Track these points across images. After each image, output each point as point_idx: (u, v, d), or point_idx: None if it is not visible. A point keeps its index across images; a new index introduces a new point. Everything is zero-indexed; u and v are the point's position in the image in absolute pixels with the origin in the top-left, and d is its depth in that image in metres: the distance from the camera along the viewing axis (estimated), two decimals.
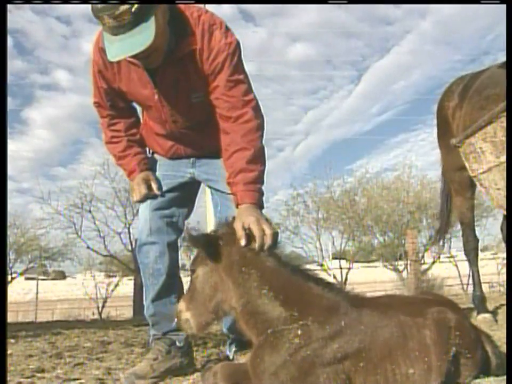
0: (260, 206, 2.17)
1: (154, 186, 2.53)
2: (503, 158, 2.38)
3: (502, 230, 4.35)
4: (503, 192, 2.48)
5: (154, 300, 2.56)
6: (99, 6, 1.94)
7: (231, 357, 2.68)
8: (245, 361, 1.89)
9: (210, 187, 2.68)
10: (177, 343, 2.57)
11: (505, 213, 2.64)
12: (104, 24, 2.00)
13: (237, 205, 2.16)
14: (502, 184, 2.45)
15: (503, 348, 2.47)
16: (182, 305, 1.97)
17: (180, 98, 2.38)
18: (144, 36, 1.99)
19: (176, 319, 1.99)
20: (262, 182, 2.25)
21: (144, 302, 2.64)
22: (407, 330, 1.76)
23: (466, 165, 2.63)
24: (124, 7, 1.92)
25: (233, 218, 2.04)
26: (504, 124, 2.34)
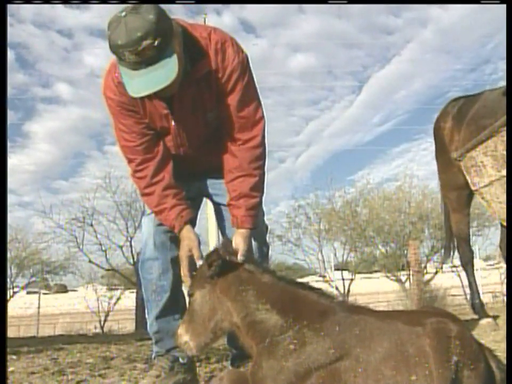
0: (255, 230, 2.36)
1: (195, 255, 2.22)
2: (504, 172, 2.39)
3: (500, 247, 4.59)
4: (505, 206, 2.49)
5: (158, 317, 2.55)
6: (119, 42, 1.90)
7: None
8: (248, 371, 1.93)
9: (215, 202, 2.69)
10: (181, 360, 2.56)
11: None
12: (123, 59, 1.95)
13: (236, 227, 2.29)
14: (504, 197, 2.47)
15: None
16: (181, 328, 2.01)
17: (197, 121, 2.38)
18: (168, 69, 1.96)
19: (176, 342, 2.04)
20: (261, 207, 2.40)
21: (147, 318, 2.63)
22: (406, 337, 1.76)
23: (468, 178, 2.65)
24: (146, 42, 1.88)
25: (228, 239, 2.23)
26: (505, 138, 2.35)
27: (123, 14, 1.92)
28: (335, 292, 17.08)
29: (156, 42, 1.90)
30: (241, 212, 2.28)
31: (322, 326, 1.78)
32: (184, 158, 2.51)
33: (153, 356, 2.67)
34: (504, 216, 2.56)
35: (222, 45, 2.23)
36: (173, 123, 2.34)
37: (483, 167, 2.49)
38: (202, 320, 1.95)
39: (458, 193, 4.46)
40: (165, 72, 1.96)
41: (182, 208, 2.34)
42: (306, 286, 2.00)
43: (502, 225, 4.47)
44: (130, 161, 2.40)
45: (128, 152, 2.39)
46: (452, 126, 4.33)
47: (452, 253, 5.16)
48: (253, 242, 2.50)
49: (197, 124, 2.38)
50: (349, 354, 1.73)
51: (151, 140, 2.38)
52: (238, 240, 2.20)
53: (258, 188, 2.35)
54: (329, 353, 1.72)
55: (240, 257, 2.07)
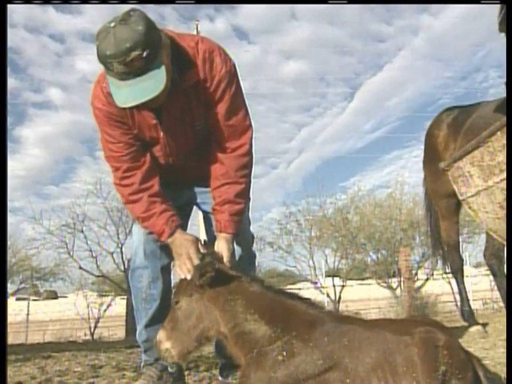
0: (239, 236, 2.39)
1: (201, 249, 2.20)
2: (491, 182, 2.41)
3: (485, 256, 4.61)
4: (491, 215, 2.52)
5: (147, 326, 2.54)
6: (107, 52, 1.90)
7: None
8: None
9: (204, 210, 2.70)
10: (169, 369, 2.56)
11: (495, 236, 2.66)
12: (111, 70, 1.95)
13: (219, 231, 2.29)
14: (490, 207, 2.49)
15: (497, 369, 2.48)
16: (161, 335, 1.99)
17: (186, 130, 2.38)
18: (156, 81, 1.96)
19: (156, 349, 2.02)
20: (244, 214, 2.41)
21: (137, 326, 2.62)
22: (394, 347, 1.77)
23: (455, 188, 2.66)
24: (135, 53, 1.89)
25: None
26: (491, 149, 2.38)
27: (112, 24, 1.92)
28: (326, 298, 17.09)
29: (145, 53, 1.91)
30: (224, 217, 2.29)
31: (311, 337, 1.78)
32: (173, 166, 2.51)
33: (141, 365, 2.66)
34: (491, 225, 2.58)
35: (210, 54, 2.23)
36: (161, 133, 2.35)
37: (470, 177, 2.51)
38: (187, 327, 1.94)
39: (447, 201, 4.48)
40: (153, 83, 1.96)
41: (172, 213, 2.32)
42: (294, 296, 2.00)
43: (488, 234, 4.50)
44: (116, 169, 2.37)
45: (113, 161, 2.37)
46: (447, 134, 4.34)
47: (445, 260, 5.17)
48: (240, 251, 2.51)
49: (185, 133, 2.39)
50: (338, 365, 1.73)
51: (137, 151, 2.37)
52: (221, 245, 2.22)
53: (244, 195, 2.37)
54: (318, 364, 1.72)
55: (225, 263, 2.09)
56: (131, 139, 2.35)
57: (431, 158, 4.60)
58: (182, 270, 2.09)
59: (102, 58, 1.94)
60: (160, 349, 1.98)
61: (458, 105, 4.64)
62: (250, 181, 2.41)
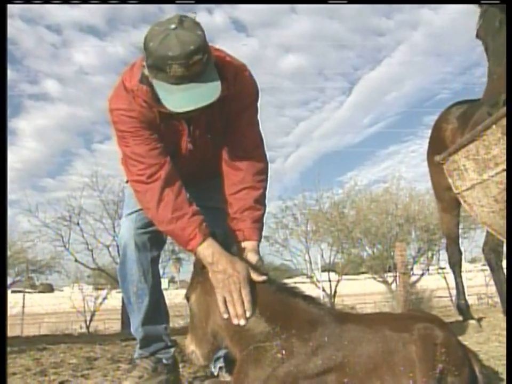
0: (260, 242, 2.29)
1: (256, 277, 1.95)
2: (486, 176, 2.43)
3: (483, 250, 4.60)
4: (486, 209, 2.53)
5: (144, 323, 2.52)
6: (169, 53, 1.84)
7: (216, 374, 2.66)
8: (231, 380, 1.90)
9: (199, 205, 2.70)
10: (164, 360, 2.55)
11: (490, 230, 2.68)
12: (166, 72, 1.89)
13: (243, 240, 2.21)
14: (485, 201, 2.50)
15: (491, 363, 2.49)
16: (187, 338, 1.97)
17: (207, 142, 2.37)
18: (211, 87, 1.93)
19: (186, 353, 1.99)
20: (263, 221, 2.34)
21: (131, 321, 2.61)
22: (392, 345, 1.75)
23: (450, 181, 2.67)
24: (197, 57, 1.86)
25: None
26: (486, 142, 2.39)
27: (172, 26, 1.88)
28: (321, 293, 17.15)
29: (204, 58, 1.90)
30: (247, 225, 2.22)
31: (311, 337, 1.76)
32: (184, 171, 2.47)
33: (135, 356, 2.65)
34: (485, 219, 2.60)
35: (239, 69, 2.24)
36: (188, 145, 2.34)
37: (465, 170, 2.52)
38: (201, 323, 1.92)
39: (449, 194, 4.45)
40: (209, 90, 1.93)
41: (203, 218, 2.12)
42: (297, 292, 1.96)
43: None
44: (148, 166, 2.17)
45: (140, 157, 2.19)
46: (455, 128, 4.30)
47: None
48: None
49: (207, 145, 2.38)
50: (337, 366, 1.71)
51: (162, 150, 2.23)
52: (250, 255, 2.12)
53: (262, 200, 2.32)
54: (317, 365, 1.71)
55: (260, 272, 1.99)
56: (159, 138, 2.23)
57: (437, 151, 4.53)
58: (228, 311, 1.88)
59: (160, 59, 1.88)
60: (187, 353, 1.96)
61: (469, 99, 4.55)
62: (266, 188, 2.38)
